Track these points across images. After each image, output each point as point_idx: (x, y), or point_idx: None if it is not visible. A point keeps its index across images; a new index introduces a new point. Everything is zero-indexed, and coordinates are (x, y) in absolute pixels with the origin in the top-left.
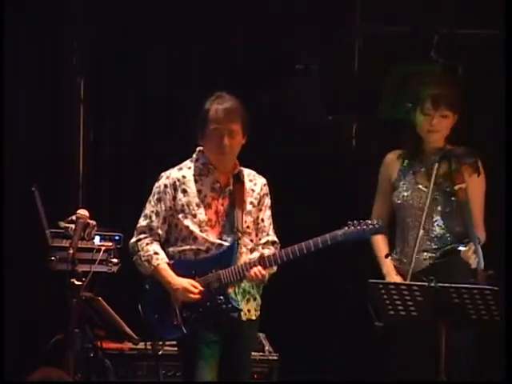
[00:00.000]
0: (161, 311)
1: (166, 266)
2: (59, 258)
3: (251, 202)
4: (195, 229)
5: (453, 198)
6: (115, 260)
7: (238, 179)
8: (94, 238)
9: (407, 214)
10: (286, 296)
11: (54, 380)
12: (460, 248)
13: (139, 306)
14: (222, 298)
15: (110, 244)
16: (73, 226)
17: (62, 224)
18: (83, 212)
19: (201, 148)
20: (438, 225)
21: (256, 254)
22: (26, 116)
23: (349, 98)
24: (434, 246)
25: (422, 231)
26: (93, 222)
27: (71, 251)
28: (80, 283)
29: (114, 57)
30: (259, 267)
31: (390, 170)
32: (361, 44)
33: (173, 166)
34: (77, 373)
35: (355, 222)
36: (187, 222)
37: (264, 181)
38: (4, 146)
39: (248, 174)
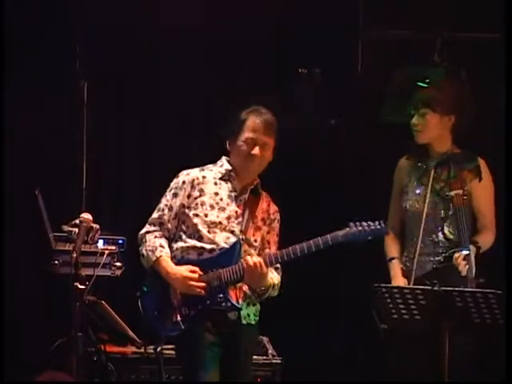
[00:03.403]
0: (160, 309)
1: (168, 259)
2: (62, 262)
3: (262, 219)
4: (203, 228)
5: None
6: (119, 264)
7: (255, 194)
8: (97, 242)
9: (414, 219)
10: (289, 300)
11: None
12: (464, 252)
13: (139, 304)
14: (221, 296)
15: (114, 248)
16: (76, 229)
17: (66, 227)
18: (86, 216)
19: (227, 158)
20: (441, 229)
21: None
22: (29, 119)
23: (351, 102)
24: (438, 251)
25: (420, 236)
26: (96, 226)
27: (74, 255)
28: (83, 287)
29: (116, 60)
30: (259, 258)
31: (402, 175)
32: (364, 47)
33: (175, 168)
34: (80, 377)
35: (357, 222)
36: (196, 221)
37: (276, 208)
38: (7, 149)
39: (266, 195)
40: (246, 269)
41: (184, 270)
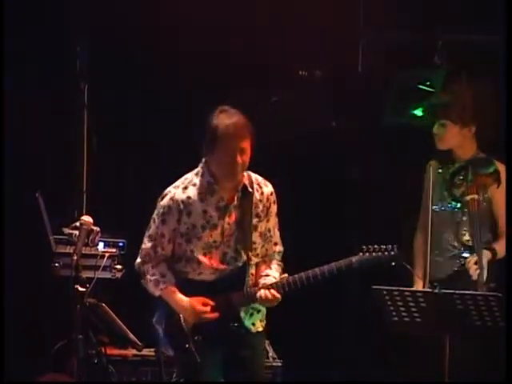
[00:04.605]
0: (173, 331)
1: (174, 288)
2: (63, 264)
3: (257, 215)
4: (199, 254)
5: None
6: (119, 266)
7: (246, 191)
8: (97, 244)
9: (437, 223)
10: (290, 302)
11: None
12: (464, 255)
13: (152, 321)
14: (236, 324)
15: (114, 250)
16: (77, 232)
17: (66, 230)
18: (87, 218)
19: (206, 160)
20: (460, 234)
21: (266, 271)
22: (29, 122)
23: (352, 103)
24: (457, 254)
25: (429, 240)
26: (97, 229)
27: (75, 257)
28: (84, 289)
29: (117, 62)
30: (272, 291)
31: (429, 178)
32: (364, 49)
33: (176, 170)
34: (80, 379)
35: (370, 246)
36: (191, 247)
37: (270, 189)
38: (7, 151)
39: (255, 180)
40: (258, 301)
41: (196, 304)
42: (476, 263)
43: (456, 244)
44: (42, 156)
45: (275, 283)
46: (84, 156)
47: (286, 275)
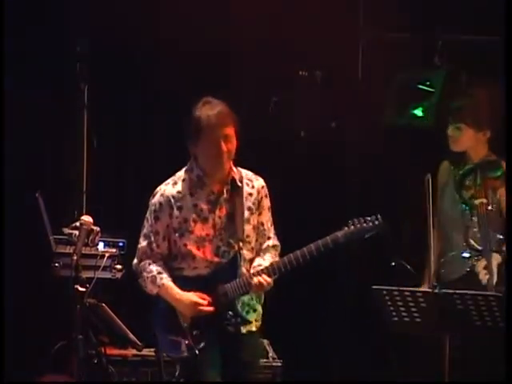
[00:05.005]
0: (171, 329)
1: (172, 284)
2: (63, 264)
3: (249, 208)
4: (193, 247)
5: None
6: (119, 266)
7: (235, 184)
8: (97, 244)
9: (448, 223)
10: (289, 302)
11: None
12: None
13: (153, 323)
14: (231, 313)
15: (114, 250)
16: (77, 232)
17: (66, 230)
18: (87, 218)
19: (193, 154)
20: (469, 236)
21: (258, 261)
22: (29, 122)
23: (352, 103)
24: (472, 256)
25: (431, 241)
26: (97, 229)
27: (75, 257)
28: (84, 289)
29: (117, 62)
30: (264, 276)
31: (441, 178)
32: (364, 49)
33: (176, 171)
34: (80, 379)
35: (355, 220)
36: (185, 241)
37: (262, 182)
38: (8, 151)
39: (246, 175)
40: (253, 287)
41: (194, 296)
42: (485, 268)
43: (471, 244)
44: (41, 156)
45: (266, 268)
46: (84, 156)
47: (277, 259)
